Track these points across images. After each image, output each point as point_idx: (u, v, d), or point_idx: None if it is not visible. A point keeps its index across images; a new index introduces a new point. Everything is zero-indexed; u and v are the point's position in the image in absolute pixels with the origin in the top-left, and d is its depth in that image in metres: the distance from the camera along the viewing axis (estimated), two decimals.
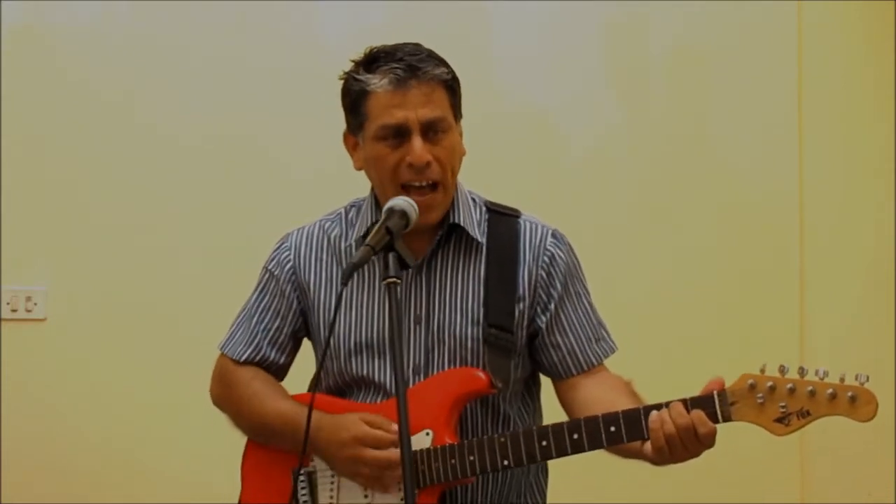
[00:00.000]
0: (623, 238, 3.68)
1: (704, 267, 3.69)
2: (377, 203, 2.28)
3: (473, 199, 2.33)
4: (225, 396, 2.42)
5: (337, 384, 2.31)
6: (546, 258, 2.28)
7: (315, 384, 2.30)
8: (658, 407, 2.06)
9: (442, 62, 2.21)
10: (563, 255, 2.31)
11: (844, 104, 3.76)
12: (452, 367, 2.22)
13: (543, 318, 2.28)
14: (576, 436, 2.07)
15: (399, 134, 2.15)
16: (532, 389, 2.38)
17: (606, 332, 2.37)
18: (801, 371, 2.03)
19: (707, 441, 2.04)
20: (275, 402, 2.30)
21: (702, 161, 3.72)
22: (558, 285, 2.29)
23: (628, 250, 3.68)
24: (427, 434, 2.16)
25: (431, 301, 2.24)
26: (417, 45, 2.22)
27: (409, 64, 2.15)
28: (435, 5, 3.66)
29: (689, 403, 2.03)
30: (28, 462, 3.49)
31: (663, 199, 3.70)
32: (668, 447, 2.03)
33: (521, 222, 2.31)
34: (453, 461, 2.13)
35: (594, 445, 2.08)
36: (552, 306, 2.28)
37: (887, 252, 3.70)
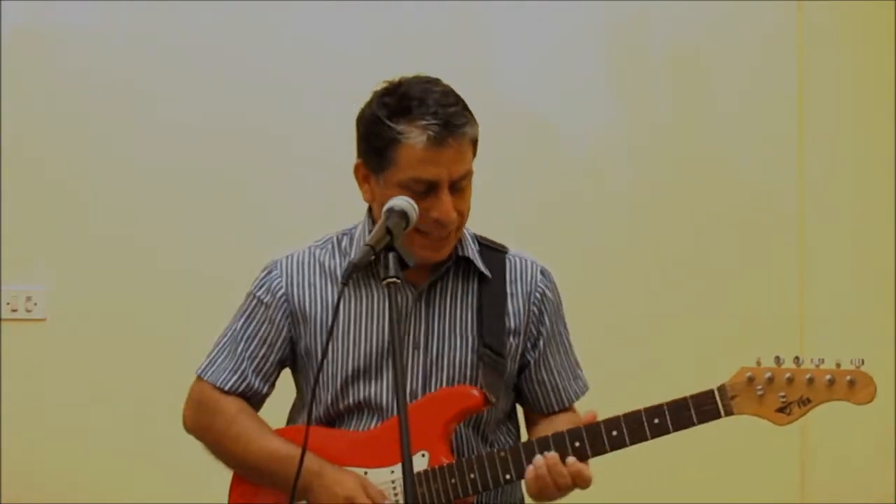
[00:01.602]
0: (623, 238, 3.68)
1: (704, 267, 3.69)
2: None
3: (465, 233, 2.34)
4: (205, 426, 2.36)
5: (328, 414, 2.29)
6: (538, 294, 2.34)
7: (309, 416, 2.19)
8: (658, 409, 2.19)
9: (466, 110, 2.21)
10: (551, 295, 2.37)
11: (844, 104, 3.76)
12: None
13: (533, 354, 2.35)
14: (577, 444, 2.13)
15: (428, 189, 2.15)
16: (514, 417, 2.42)
17: (581, 370, 2.43)
18: (797, 360, 2.08)
19: (584, 486, 2.16)
20: (266, 442, 2.27)
21: (702, 161, 3.72)
22: (548, 323, 2.35)
23: (628, 250, 3.68)
24: (423, 455, 2.17)
25: (430, 328, 2.26)
26: (445, 90, 2.21)
27: (444, 120, 2.14)
28: (435, 6, 3.66)
29: (691, 401, 2.12)
30: (28, 462, 3.49)
31: (663, 198, 3.70)
32: (544, 497, 2.15)
33: (510, 258, 2.35)
34: (453, 480, 2.15)
35: (597, 451, 2.15)
36: (541, 344, 2.34)
37: (887, 252, 3.70)
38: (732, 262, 3.70)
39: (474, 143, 2.22)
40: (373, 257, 1.97)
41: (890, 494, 3.63)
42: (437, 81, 2.24)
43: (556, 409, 2.37)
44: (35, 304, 3.53)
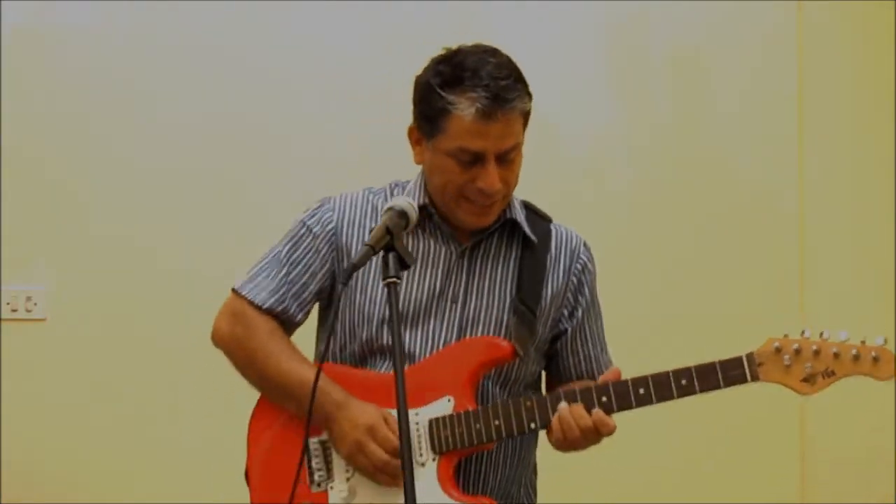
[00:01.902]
0: (623, 238, 3.68)
1: (704, 267, 3.69)
2: (426, 188, 2.32)
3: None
4: (240, 339, 2.34)
5: (362, 351, 2.30)
6: (579, 265, 2.40)
7: (326, 349, 2.29)
8: (686, 372, 2.25)
9: (521, 81, 2.25)
10: (591, 268, 2.43)
11: (844, 104, 3.76)
12: None
13: (570, 323, 2.39)
14: (604, 398, 2.17)
15: (474, 158, 2.20)
16: (539, 386, 2.44)
17: (607, 347, 2.49)
18: (823, 334, 2.14)
19: (607, 433, 2.19)
20: (298, 365, 2.27)
21: (702, 161, 3.72)
22: (587, 294, 2.41)
23: (628, 250, 3.68)
24: (448, 400, 2.20)
25: (470, 285, 2.30)
26: (500, 61, 2.24)
27: (494, 93, 2.17)
28: (435, 6, 3.66)
29: (719, 366, 2.19)
30: (28, 462, 3.49)
31: (663, 198, 3.70)
32: (568, 442, 2.18)
33: (555, 227, 2.42)
34: (478, 426, 2.17)
35: (622, 406, 2.18)
36: (579, 313, 2.39)
37: (887, 252, 3.70)
38: (732, 262, 3.70)
39: (525, 115, 2.27)
40: (410, 264, 2.00)
41: (890, 494, 3.63)
42: (494, 52, 2.26)
43: (585, 377, 2.39)
44: (35, 304, 3.53)
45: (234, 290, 2.40)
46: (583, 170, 3.69)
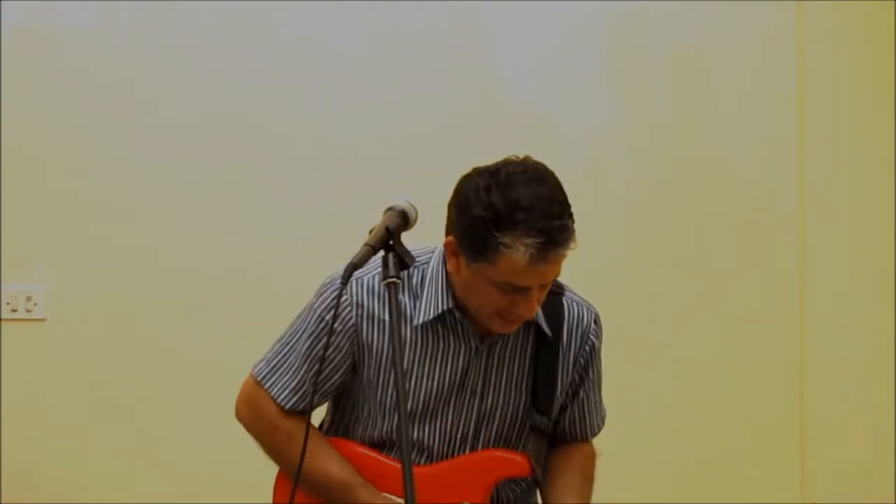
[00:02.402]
0: (623, 238, 3.68)
1: (704, 266, 3.69)
2: (449, 286, 2.29)
3: None
4: (261, 432, 2.42)
5: (381, 438, 2.36)
6: (588, 347, 2.43)
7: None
8: None
9: (569, 214, 2.22)
10: (598, 345, 2.46)
11: (844, 104, 3.76)
12: (498, 442, 2.35)
13: (573, 400, 2.45)
14: None
15: (518, 289, 2.18)
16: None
17: (601, 403, 2.53)
18: None
19: None
20: (324, 462, 2.34)
21: (702, 161, 3.72)
22: (591, 372, 2.45)
23: (628, 250, 3.68)
24: None
25: (488, 378, 2.34)
26: (551, 193, 2.22)
27: (549, 237, 2.13)
28: (435, 5, 3.66)
29: None
30: (28, 462, 3.49)
31: (663, 198, 3.70)
32: None
33: (567, 302, 2.42)
34: None
35: None
36: (581, 391, 2.45)
37: (887, 252, 3.70)
38: (732, 262, 3.70)
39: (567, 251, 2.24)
40: (436, 313, 2.13)
41: (890, 494, 3.63)
42: (543, 177, 2.25)
43: (579, 439, 2.48)
44: (35, 304, 3.53)
45: (253, 375, 2.42)
46: (583, 170, 3.69)
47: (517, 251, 2.12)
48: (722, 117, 3.73)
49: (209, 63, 3.60)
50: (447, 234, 2.25)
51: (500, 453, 2.34)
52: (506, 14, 3.68)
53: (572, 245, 2.19)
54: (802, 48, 3.73)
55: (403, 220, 2.13)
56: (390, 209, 2.13)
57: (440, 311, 2.26)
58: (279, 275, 3.51)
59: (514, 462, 2.32)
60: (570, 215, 2.22)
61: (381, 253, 2.21)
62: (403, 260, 2.06)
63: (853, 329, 3.68)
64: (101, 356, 3.54)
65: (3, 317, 3.51)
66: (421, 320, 2.28)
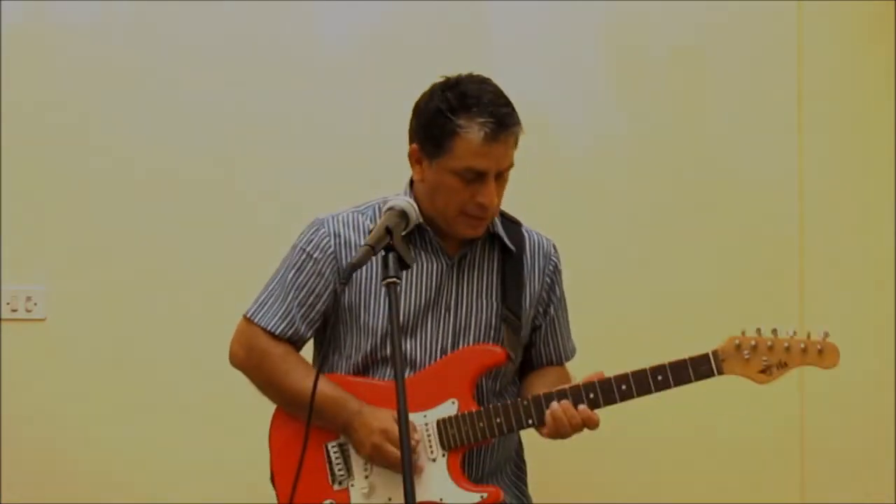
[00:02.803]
0: (623, 238, 3.68)
1: (704, 266, 3.69)
2: (420, 210, 2.45)
3: None
4: (254, 364, 2.60)
5: (365, 362, 2.57)
6: (551, 267, 2.71)
7: (321, 362, 2.58)
8: (661, 368, 2.51)
9: (515, 111, 2.51)
10: (560, 267, 2.74)
11: (844, 104, 3.75)
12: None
13: (545, 320, 2.71)
14: (591, 395, 2.47)
15: (477, 177, 2.46)
16: (516, 373, 2.75)
17: (570, 334, 2.82)
18: (775, 331, 2.50)
19: (593, 427, 2.49)
20: (310, 382, 2.39)
21: (702, 161, 3.72)
22: (557, 291, 2.73)
23: (628, 250, 3.68)
24: (453, 403, 2.50)
25: (460, 293, 2.58)
26: (497, 90, 2.51)
27: (498, 119, 2.44)
28: (435, 5, 3.66)
29: (689, 362, 2.48)
30: (28, 462, 3.50)
31: (663, 198, 3.70)
32: (559, 435, 2.49)
33: (524, 231, 2.71)
34: (481, 424, 2.48)
35: (608, 402, 2.48)
36: (552, 310, 2.72)
37: (887, 252, 3.70)
38: (732, 261, 3.69)
39: (517, 139, 2.53)
40: (403, 233, 2.25)
41: (890, 494, 3.63)
42: (489, 81, 2.54)
43: (554, 364, 2.75)
44: (35, 304, 3.53)
45: (245, 316, 2.63)
46: (583, 169, 3.69)
47: (472, 130, 2.43)
48: (722, 116, 3.73)
49: (209, 63, 3.60)
50: (410, 143, 2.54)
51: (475, 346, 2.57)
52: (506, 14, 3.68)
53: (520, 130, 2.50)
54: (802, 48, 3.73)
55: (403, 219, 2.20)
56: (390, 209, 2.24)
57: (410, 264, 2.36)
58: None
59: (490, 351, 2.55)
60: (515, 112, 2.51)
61: (367, 203, 2.59)
62: (403, 259, 2.12)
63: (853, 329, 3.68)
64: (101, 356, 3.54)
65: (3, 317, 3.52)
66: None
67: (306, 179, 3.60)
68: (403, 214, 2.26)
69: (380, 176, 3.51)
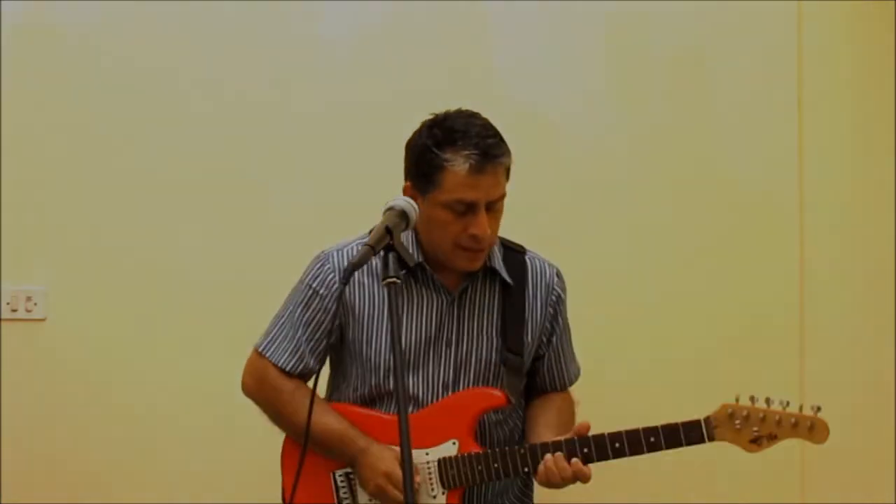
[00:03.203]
0: (623, 238, 3.68)
1: (704, 267, 3.69)
2: (418, 243, 2.61)
3: None
4: (265, 398, 2.68)
5: (371, 394, 2.63)
6: (554, 297, 2.72)
7: (315, 386, 2.49)
8: (654, 430, 2.51)
9: (503, 142, 2.55)
10: (563, 295, 2.75)
11: (844, 104, 3.76)
12: (477, 384, 2.61)
13: (548, 349, 2.74)
14: (586, 450, 2.50)
15: (468, 209, 2.49)
16: (521, 395, 2.79)
17: (575, 357, 2.85)
18: (769, 402, 2.53)
19: (584, 481, 2.53)
20: (322, 417, 2.57)
21: (702, 161, 3.72)
22: (560, 321, 2.75)
23: (628, 250, 3.68)
24: (453, 443, 2.55)
25: (461, 329, 2.62)
26: (484, 123, 2.55)
27: (483, 150, 2.48)
28: (435, 6, 3.66)
29: (681, 428, 2.50)
30: (28, 462, 3.49)
31: (663, 198, 3.70)
32: (550, 485, 2.54)
33: (529, 260, 2.72)
34: (480, 467, 2.53)
35: (601, 458, 2.52)
36: (554, 339, 2.74)
37: (887, 252, 3.70)
38: (732, 262, 3.70)
39: (508, 170, 2.56)
40: (413, 265, 2.38)
41: (890, 494, 3.63)
42: (477, 115, 2.58)
43: (557, 389, 2.78)
44: (35, 304, 3.53)
45: (257, 350, 2.70)
46: (583, 170, 3.69)
47: (457, 163, 2.46)
48: (722, 117, 3.73)
49: (209, 63, 3.60)
50: (405, 181, 2.59)
51: (477, 389, 2.61)
52: (506, 14, 3.68)
53: (508, 160, 2.53)
54: (802, 48, 3.73)
55: (403, 219, 2.22)
56: (390, 209, 2.27)
57: (411, 264, 2.43)
58: (280, 275, 3.50)
59: (491, 395, 2.59)
60: (505, 144, 2.54)
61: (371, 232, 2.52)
62: (403, 260, 2.14)
63: (853, 329, 3.68)
64: (101, 356, 3.54)
65: (3, 317, 3.51)
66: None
67: (307, 181, 3.60)
68: (403, 214, 2.27)
69: (381, 176, 3.52)
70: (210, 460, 3.53)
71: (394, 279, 2.13)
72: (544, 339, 2.72)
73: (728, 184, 3.71)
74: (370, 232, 2.53)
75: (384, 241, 2.17)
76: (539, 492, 2.85)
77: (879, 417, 3.67)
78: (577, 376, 2.82)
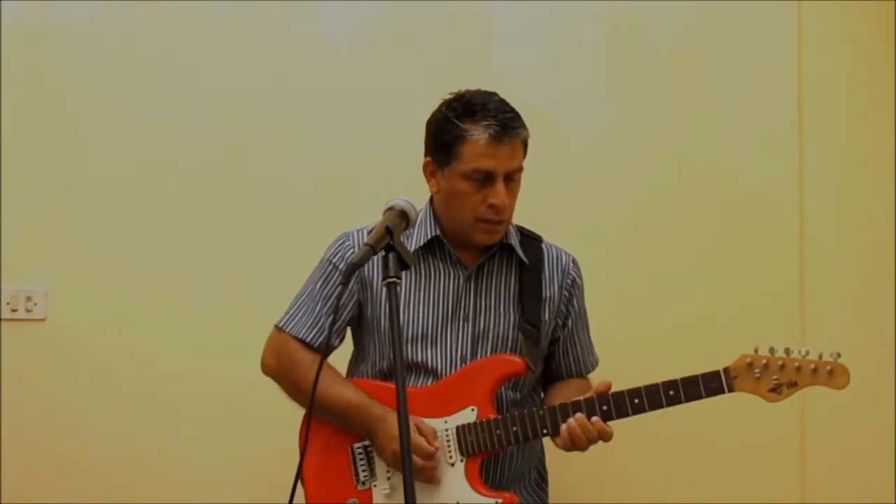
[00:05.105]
0: (623, 238, 3.68)
1: (704, 267, 3.69)
2: (436, 218, 2.71)
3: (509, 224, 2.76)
4: (285, 371, 2.73)
5: (389, 368, 2.69)
6: (569, 281, 2.80)
7: (315, 383, 2.52)
8: (673, 384, 2.54)
9: (519, 117, 2.67)
10: (580, 281, 2.83)
11: (844, 104, 3.76)
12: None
13: (563, 332, 2.80)
14: (605, 407, 2.53)
15: (486, 178, 2.60)
16: (539, 382, 2.85)
17: (593, 347, 2.92)
18: (788, 350, 2.54)
19: (607, 440, 2.57)
20: (340, 389, 2.66)
21: (702, 161, 3.72)
22: (576, 305, 2.81)
23: (628, 250, 3.68)
24: (472, 410, 2.59)
25: (478, 304, 2.69)
26: (502, 100, 2.67)
27: (502, 123, 2.60)
28: (435, 5, 3.66)
29: (701, 379, 2.52)
30: (28, 462, 3.50)
31: (663, 199, 3.70)
32: (574, 447, 2.58)
33: (545, 247, 2.81)
34: (499, 432, 2.57)
35: (620, 415, 2.54)
36: (570, 323, 2.80)
37: (887, 252, 3.70)
38: (732, 262, 3.70)
39: (525, 144, 2.68)
40: (425, 241, 2.60)
41: (890, 494, 3.63)
42: (495, 93, 2.69)
43: (575, 376, 2.84)
44: (35, 304, 3.53)
45: (277, 326, 2.76)
46: (583, 170, 3.69)
47: (477, 133, 2.58)
48: (722, 117, 3.73)
49: (209, 63, 3.61)
50: (424, 157, 2.69)
51: (496, 356, 2.66)
52: (505, 14, 3.68)
53: (525, 133, 2.66)
54: (802, 48, 3.73)
55: (403, 219, 2.24)
56: (390, 209, 2.28)
57: (429, 237, 2.65)
58: (280, 274, 3.50)
59: (510, 361, 2.63)
60: (520, 118, 2.66)
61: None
62: (403, 259, 2.15)
63: (853, 329, 3.68)
64: (101, 356, 3.54)
65: (3, 317, 3.51)
66: (412, 248, 2.65)
67: (307, 180, 3.60)
68: (403, 214, 2.29)
69: (381, 176, 3.52)
70: (211, 460, 3.53)
71: (394, 279, 2.14)
72: (559, 322, 2.78)
73: (728, 183, 3.71)
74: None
75: (384, 241, 2.19)
76: (552, 490, 2.86)
77: (879, 417, 3.67)
78: (594, 366, 2.87)
